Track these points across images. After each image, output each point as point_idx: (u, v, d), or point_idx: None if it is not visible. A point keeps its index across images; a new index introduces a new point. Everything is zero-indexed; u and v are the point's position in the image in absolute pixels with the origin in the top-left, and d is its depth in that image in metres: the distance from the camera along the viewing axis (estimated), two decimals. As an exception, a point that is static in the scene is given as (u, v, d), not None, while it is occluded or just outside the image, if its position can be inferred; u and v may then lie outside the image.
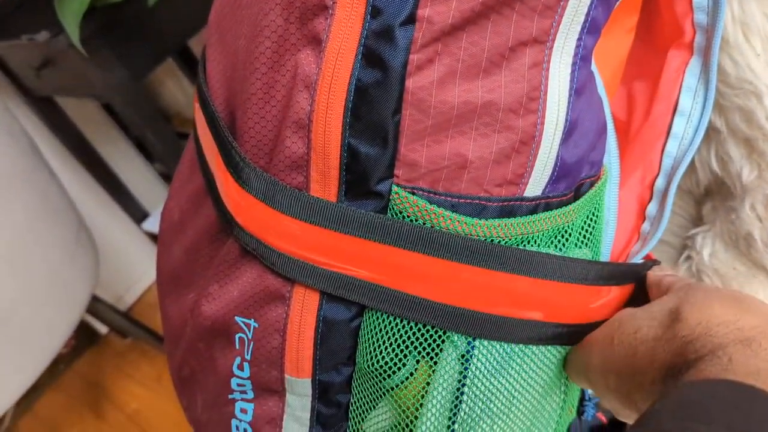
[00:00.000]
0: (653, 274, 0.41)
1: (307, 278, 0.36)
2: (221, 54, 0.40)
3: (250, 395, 0.42)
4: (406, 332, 0.37)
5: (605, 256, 0.44)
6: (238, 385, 0.41)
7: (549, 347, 0.40)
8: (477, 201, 0.35)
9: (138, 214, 1.68)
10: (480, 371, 0.38)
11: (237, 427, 0.43)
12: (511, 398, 0.40)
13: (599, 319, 0.41)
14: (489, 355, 0.38)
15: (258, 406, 0.42)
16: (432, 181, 0.34)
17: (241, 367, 0.41)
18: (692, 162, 0.52)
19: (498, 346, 0.38)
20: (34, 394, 1.57)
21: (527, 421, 0.42)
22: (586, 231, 0.40)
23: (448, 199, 0.35)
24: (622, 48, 0.45)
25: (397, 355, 0.37)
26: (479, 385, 0.38)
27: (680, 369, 0.30)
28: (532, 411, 0.42)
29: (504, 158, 0.34)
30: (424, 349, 0.37)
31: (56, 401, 1.58)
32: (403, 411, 0.40)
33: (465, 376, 0.38)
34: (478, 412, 0.39)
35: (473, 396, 0.39)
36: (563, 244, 0.38)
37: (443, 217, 0.35)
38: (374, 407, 0.41)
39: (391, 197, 0.35)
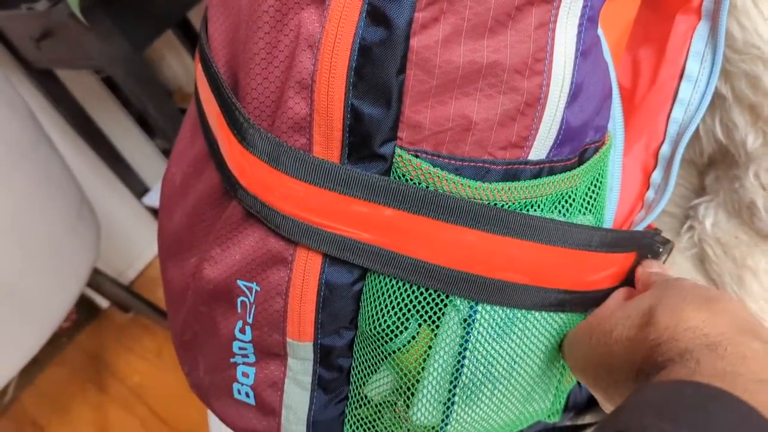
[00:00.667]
0: (641, 270, 0.42)
1: (310, 240, 0.36)
2: (223, 14, 0.39)
3: (252, 359, 0.42)
4: (408, 296, 0.37)
5: (608, 223, 0.44)
6: (240, 348, 0.42)
7: (551, 314, 0.40)
8: (481, 164, 0.35)
9: (139, 189, 1.67)
10: (482, 335, 0.38)
11: (239, 391, 0.43)
12: (513, 363, 0.40)
13: (601, 288, 0.41)
14: (491, 320, 0.38)
15: (260, 369, 0.42)
16: (436, 144, 0.34)
17: (243, 331, 0.41)
18: (696, 131, 0.52)
19: (500, 311, 0.38)
20: (36, 367, 1.59)
21: (527, 386, 0.42)
22: (590, 197, 0.40)
23: (452, 162, 0.34)
24: (629, 12, 0.44)
25: (399, 318, 0.37)
26: (481, 349, 0.39)
27: (650, 370, 0.32)
28: (533, 376, 0.42)
29: (509, 120, 0.34)
30: (426, 312, 0.38)
31: (58, 375, 1.59)
32: (405, 375, 0.40)
33: (467, 341, 0.38)
34: (480, 376, 0.40)
35: (475, 360, 0.39)
36: (567, 210, 0.38)
37: (446, 180, 0.34)
38: (376, 371, 0.41)
39: (394, 160, 0.35)
